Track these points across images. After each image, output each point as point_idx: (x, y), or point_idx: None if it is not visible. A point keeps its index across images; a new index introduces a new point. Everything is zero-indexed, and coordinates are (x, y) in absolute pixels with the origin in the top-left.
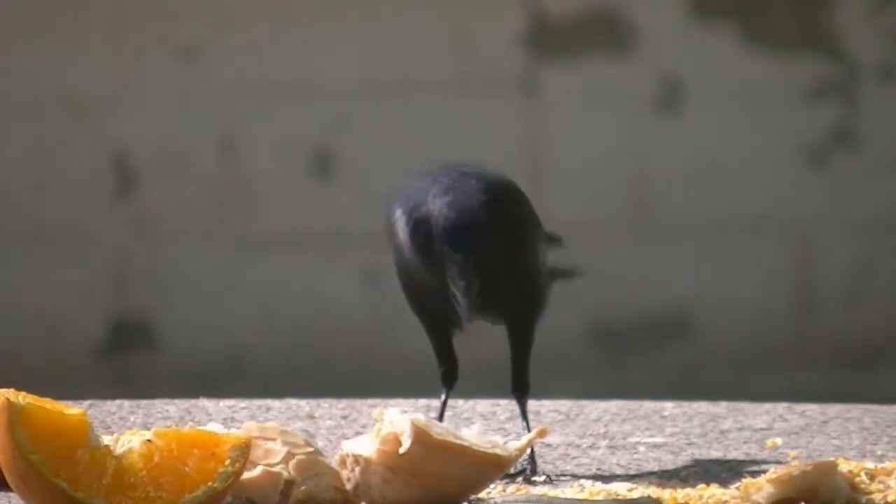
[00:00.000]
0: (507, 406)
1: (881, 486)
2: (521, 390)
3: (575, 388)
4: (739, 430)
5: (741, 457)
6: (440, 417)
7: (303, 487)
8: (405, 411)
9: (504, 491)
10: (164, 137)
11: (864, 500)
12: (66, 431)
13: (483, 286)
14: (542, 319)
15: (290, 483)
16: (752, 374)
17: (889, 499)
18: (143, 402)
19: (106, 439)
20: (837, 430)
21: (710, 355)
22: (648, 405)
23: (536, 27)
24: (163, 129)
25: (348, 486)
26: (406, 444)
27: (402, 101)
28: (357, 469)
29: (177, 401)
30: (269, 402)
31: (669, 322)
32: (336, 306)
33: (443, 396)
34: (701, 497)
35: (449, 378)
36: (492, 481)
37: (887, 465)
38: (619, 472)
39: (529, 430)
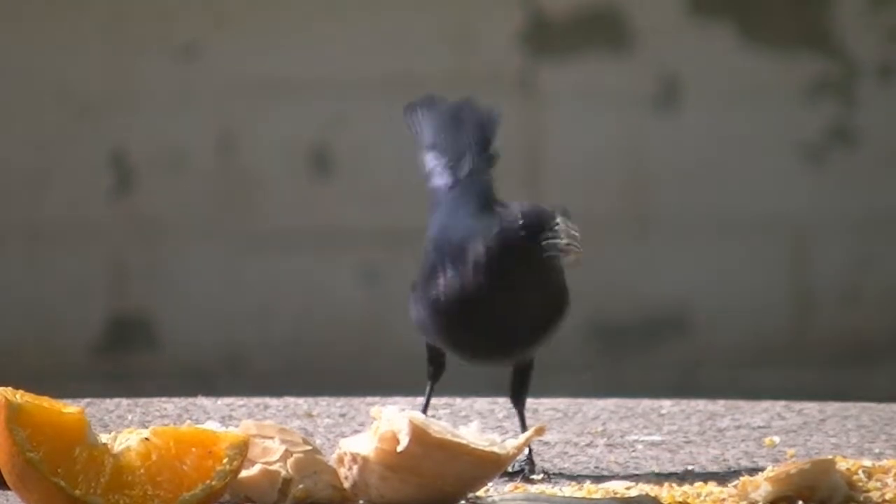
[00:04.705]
0: (505, 404)
1: (879, 484)
2: (519, 399)
3: (573, 386)
4: (737, 428)
5: (739, 455)
6: (426, 406)
7: (301, 485)
8: (403, 409)
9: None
10: (163, 135)
11: (861, 498)
12: (64, 430)
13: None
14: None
15: (288, 481)
16: (749, 372)
17: (887, 496)
18: (141, 401)
19: (104, 437)
20: (835, 428)
21: (707, 353)
22: (646, 403)
23: (534, 25)
24: (161, 127)
25: (346, 485)
26: (404, 442)
27: (401, 98)
28: (355, 467)
29: (175, 399)
30: (267, 400)
31: (667, 320)
32: (334, 304)
33: (428, 389)
34: (699, 495)
35: (436, 377)
36: (490, 479)
37: (885, 462)
38: (616, 470)
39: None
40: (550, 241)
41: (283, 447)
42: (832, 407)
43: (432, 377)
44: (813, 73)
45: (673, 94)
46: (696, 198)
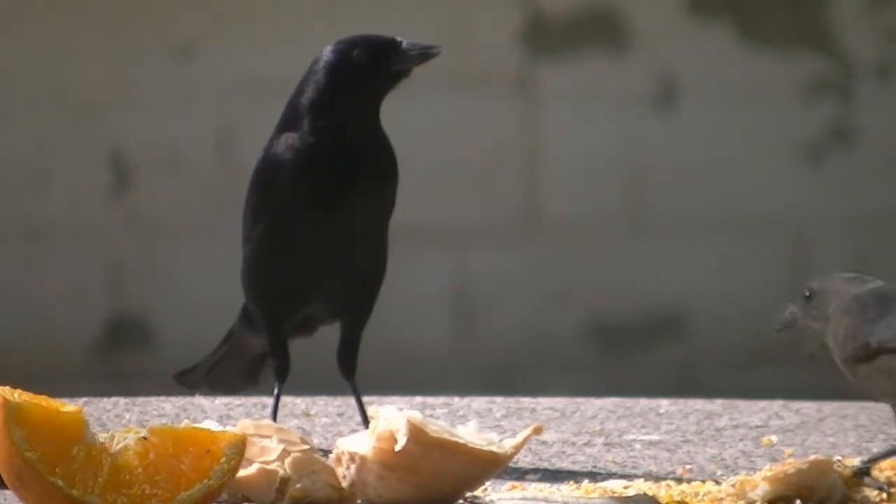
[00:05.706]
0: (503, 403)
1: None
2: (353, 370)
3: (571, 386)
4: (735, 427)
5: (737, 454)
6: (274, 413)
7: (298, 485)
8: (401, 409)
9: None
10: (161, 135)
11: (858, 498)
12: (62, 429)
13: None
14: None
15: (285, 480)
16: (748, 372)
17: (884, 496)
18: (139, 400)
19: (102, 437)
20: (833, 427)
21: (706, 353)
22: (644, 403)
23: (533, 25)
24: (160, 127)
25: (344, 484)
26: (402, 441)
27: (399, 98)
28: (353, 466)
29: (172, 398)
30: (264, 399)
31: (666, 319)
32: None
33: (276, 391)
34: (696, 494)
35: (283, 372)
36: (488, 479)
37: (882, 462)
38: (614, 469)
39: (365, 417)
40: (401, 57)
41: (281, 446)
42: (830, 406)
43: (279, 373)
44: (812, 73)
45: (672, 94)
46: (695, 197)
